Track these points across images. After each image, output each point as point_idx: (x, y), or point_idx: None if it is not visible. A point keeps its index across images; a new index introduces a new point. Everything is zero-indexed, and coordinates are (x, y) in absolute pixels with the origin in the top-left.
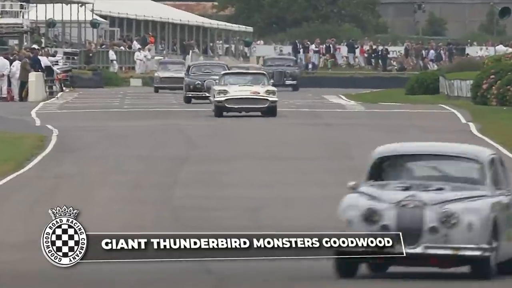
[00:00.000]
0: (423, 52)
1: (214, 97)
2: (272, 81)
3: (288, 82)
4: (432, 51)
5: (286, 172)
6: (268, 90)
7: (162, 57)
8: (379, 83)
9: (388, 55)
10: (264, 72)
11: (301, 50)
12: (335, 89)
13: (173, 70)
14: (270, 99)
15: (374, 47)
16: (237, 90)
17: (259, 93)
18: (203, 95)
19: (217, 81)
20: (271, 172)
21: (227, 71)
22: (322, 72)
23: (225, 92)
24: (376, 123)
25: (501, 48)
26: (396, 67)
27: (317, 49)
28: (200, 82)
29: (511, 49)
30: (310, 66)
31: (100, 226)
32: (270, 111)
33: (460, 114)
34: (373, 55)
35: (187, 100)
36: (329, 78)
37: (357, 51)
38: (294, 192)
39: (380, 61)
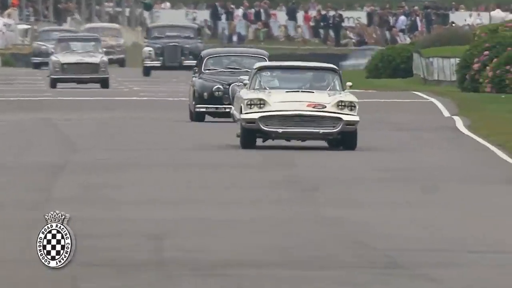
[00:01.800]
0: (391, 19)
1: (241, 111)
2: (160, 60)
3: (187, 62)
4: (402, 18)
5: (202, 186)
6: (342, 102)
7: (29, 26)
8: (330, 61)
9: (343, 24)
10: (336, 68)
11: (223, 17)
12: None
13: (83, 52)
14: (346, 117)
15: (323, 12)
16: (285, 99)
17: (324, 106)
18: (226, 109)
19: (245, 81)
20: (181, 185)
21: (265, 64)
22: (252, 46)
23: (261, 102)
24: None
25: (498, 14)
26: (353, 40)
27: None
28: (221, 87)
29: None
30: (235, 38)
31: None
32: (346, 140)
33: (442, 105)
34: (321, 23)
35: (198, 117)
36: None
37: (300, 18)
38: (213, 212)
39: (331, 31)
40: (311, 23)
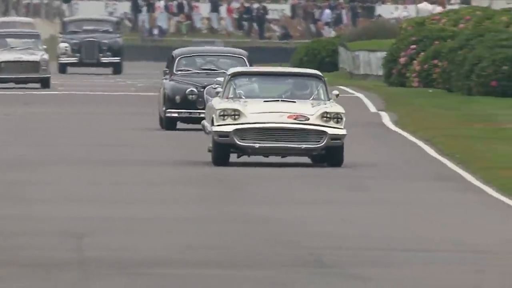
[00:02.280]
0: (315, 12)
1: (213, 123)
2: (77, 56)
3: (105, 59)
4: (328, 11)
5: (124, 183)
6: (327, 113)
7: None
8: (254, 55)
9: (267, 16)
10: (320, 74)
11: (144, 9)
12: None
13: (22, 50)
14: (331, 130)
15: (246, 5)
16: (262, 110)
17: (307, 118)
18: (201, 114)
19: (218, 89)
20: (103, 182)
21: (240, 70)
22: (174, 39)
23: (235, 113)
24: None
25: (425, 6)
26: (278, 33)
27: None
28: (195, 90)
29: (439, 8)
30: (156, 31)
31: None
32: (331, 155)
33: (369, 100)
34: (245, 16)
35: (168, 123)
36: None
37: (223, 10)
38: (137, 210)
39: (255, 24)
40: (235, 16)
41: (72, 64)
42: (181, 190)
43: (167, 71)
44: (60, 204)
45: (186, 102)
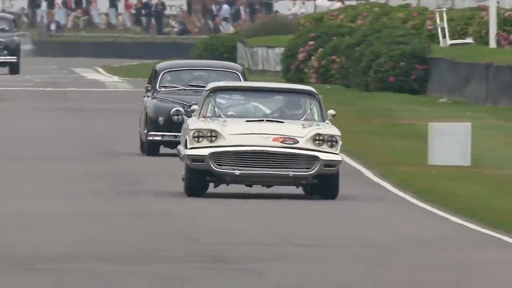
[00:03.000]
0: (213, 8)
1: (186, 145)
2: None
3: (1, 58)
4: (225, 7)
5: (20, 178)
6: (319, 135)
7: None
8: (153, 50)
9: (165, 12)
10: (314, 91)
11: (44, 4)
12: (91, 59)
13: None
14: (324, 156)
15: (144, 0)
16: (244, 131)
17: (296, 141)
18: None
19: (196, 106)
20: None
21: (220, 85)
22: (72, 35)
23: (212, 134)
24: None
25: (323, 3)
26: (176, 29)
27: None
28: (181, 109)
29: (338, 4)
30: (53, 26)
31: None
32: (324, 185)
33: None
34: (143, 11)
35: (150, 148)
36: (82, 43)
37: (120, 5)
38: (31, 206)
39: (153, 20)
40: (133, 11)
41: None
42: (76, 185)
43: (149, 88)
44: None
45: (171, 124)
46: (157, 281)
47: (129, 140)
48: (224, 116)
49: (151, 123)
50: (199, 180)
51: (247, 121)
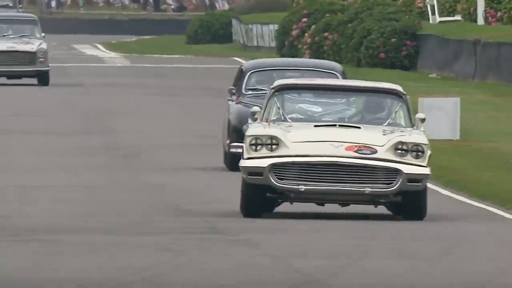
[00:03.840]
0: None
1: (243, 154)
2: None
3: None
4: None
5: (19, 152)
6: (402, 144)
7: None
8: (150, 27)
9: None
10: (401, 91)
11: None
12: (90, 36)
13: (15, 38)
14: (408, 169)
15: None
16: (311, 138)
17: (374, 151)
18: None
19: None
20: None
21: (287, 82)
22: (71, 12)
23: (273, 142)
24: (147, 84)
25: None
26: (172, 6)
27: None
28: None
29: None
30: (53, 4)
31: None
32: (408, 204)
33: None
34: None
35: (233, 162)
36: (81, 20)
37: None
38: (30, 179)
39: None
40: None
41: None
42: (74, 158)
43: (234, 90)
44: None
45: None
46: (152, 252)
47: (128, 114)
48: (290, 120)
49: (235, 132)
50: (257, 196)
51: (315, 126)
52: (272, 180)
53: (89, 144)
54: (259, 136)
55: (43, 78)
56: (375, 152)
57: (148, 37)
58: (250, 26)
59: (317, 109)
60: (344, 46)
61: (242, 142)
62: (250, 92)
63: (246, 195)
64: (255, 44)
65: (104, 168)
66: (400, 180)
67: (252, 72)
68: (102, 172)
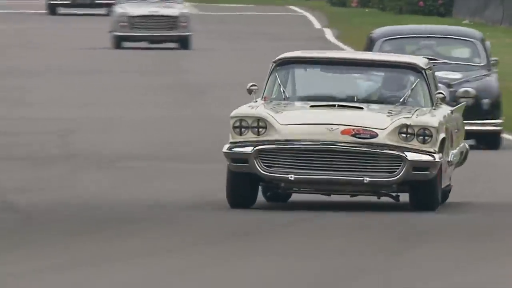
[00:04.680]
0: None
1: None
2: None
3: (99, 0)
4: None
5: (105, 89)
6: (407, 127)
7: None
8: None
9: None
10: (419, 65)
11: None
12: None
13: (156, 2)
14: (412, 156)
15: None
16: (303, 120)
17: (374, 134)
18: None
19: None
20: (86, 88)
21: (289, 56)
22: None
23: (260, 125)
24: (212, 29)
25: None
26: None
27: None
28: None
29: None
30: None
31: None
32: (416, 194)
33: (314, 17)
34: None
35: None
36: None
37: None
38: (114, 112)
39: None
40: None
41: (63, 5)
42: (149, 94)
43: None
44: (50, 107)
45: None
46: (216, 177)
47: (197, 55)
48: (290, 99)
49: None
50: (242, 185)
51: (311, 106)
52: (259, 168)
53: (164, 83)
54: (244, 117)
55: (184, 43)
56: (376, 136)
57: None
58: None
59: (323, 85)
60: None
61: None
62: None
63: (231, 184)
64: None
65: (177, 103)
66: (404, 168)
67: (383, 41)
68: (173, 106)
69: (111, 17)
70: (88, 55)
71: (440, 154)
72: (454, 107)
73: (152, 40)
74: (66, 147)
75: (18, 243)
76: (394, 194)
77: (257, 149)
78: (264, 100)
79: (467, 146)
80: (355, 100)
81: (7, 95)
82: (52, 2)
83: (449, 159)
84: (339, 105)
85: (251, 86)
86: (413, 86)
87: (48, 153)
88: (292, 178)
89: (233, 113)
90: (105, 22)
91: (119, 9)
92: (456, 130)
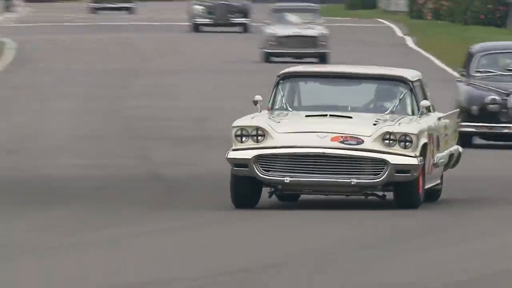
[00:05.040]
0: None
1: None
2: (210, 18)
3: (234, 20)
4: None
5: (233, 85)
6: (390, 134)
7: None
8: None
9: None
10: (407, 78)
11: None
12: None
13: (298, 25)
14: (395, 159)
15: None
16: (298, 129)
17: (360, 141)
18: (504, 129)
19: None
20: (219, 84)
21: (292, 70)
22: None
23: (258, 133)
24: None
25: None
26: None
27: None
28: (497, 98)
29: None
30: None
31: (50, 136)
32: (400, 194)
33: (397, 27)
34: None
35: (463, 140)
36: None
37: None
38: (243, 103)
39: None
40: None
41: (205, 25)
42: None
43: (464, 72)
44: (191, 99)
45: (486, 114)
46: None
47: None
48: (291, 109)
49: (464, 112)
50: (244, 188)
51: (307, 116)
52: (258, 172)
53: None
54: (245, 127)
55: (323, 58)
56: (362, 142)
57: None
58: None
59: (321, 97)
60: (456, 10)
61: (471, 122)
62: (478, 75)
63: (234, 187)
64: (393, 9)
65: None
66: (388, 170)
67: (481, 55)
68: None
69: (261, 36)
70: (228, 60)
71: (421, 158)
72: (445, 114)
73: (296, 56)
74: (202, 130)
75: (161, 206)
76: (380, 194)
77: (256, 155)
78: (268, 110)
79: (460, 149)
80: (349, 109)
81: (159, 90)
82: (196, 22)
83: (435, 162)
84: (330, 115)
85: (257, 98)
86: (401, 96)
87: (186, 135)
88: (288, 181)
89: (234, 123)
90: (240, 37)
91: (268, 30)
92: (444, 135)
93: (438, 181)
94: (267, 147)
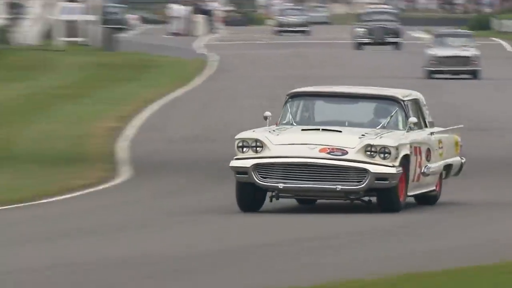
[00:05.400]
0: None
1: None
2: (370, 37)
3: (389, 39)
4: None
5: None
6: (371, 146)
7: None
8: (448, 22)
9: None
10: (398, 98)
11: None
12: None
13: (457, 46)
14: (375, 168)
15: None
16: (292, 141)
17: (345, 152)
18: None
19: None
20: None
21: (299, 90)
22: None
23: (257, 145)
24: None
25: None
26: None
27: None
28: None
29: None
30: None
31: (240, 124)
32: (381, 199)
33: (508, 43)
34: None
35: None
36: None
37: None
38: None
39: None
40: None
41: (366, 44)
42: None
43: None
44: None
45: None
46: None
47: (485, 84)
48: (296, 124)
49: None
50: (246, 193)
51: (302, 130)
52: (256, 179)
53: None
54: (245, 139)
55: (475, 75)
56: (346, 153)
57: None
58: (501, 21)
59: (324, 113)
60: None
61: None
62: None
63: (238, 192)
64: (504, 30)
65: None
66: (369, 178)
67: None
68: None
69: (423, 57)
70: (388, 75)
71: (400, 168)
72: (441, 129)
73: (453, 73)
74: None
75: None
76: (366, 199)
77: (254, 164)
78: (276, 125)
79: (462, 160)
80: (347, 124)
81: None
82: (358, 41)
83: (422, 171)
84: (323, 129)
85: (266, 114)
86: (392, 114)
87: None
88: (281, 187)
89: (237, 136)
90: (393, 54)
91: (430, 51)
92: (438, 148)
93: (432, 188)
94: (264, 157)
